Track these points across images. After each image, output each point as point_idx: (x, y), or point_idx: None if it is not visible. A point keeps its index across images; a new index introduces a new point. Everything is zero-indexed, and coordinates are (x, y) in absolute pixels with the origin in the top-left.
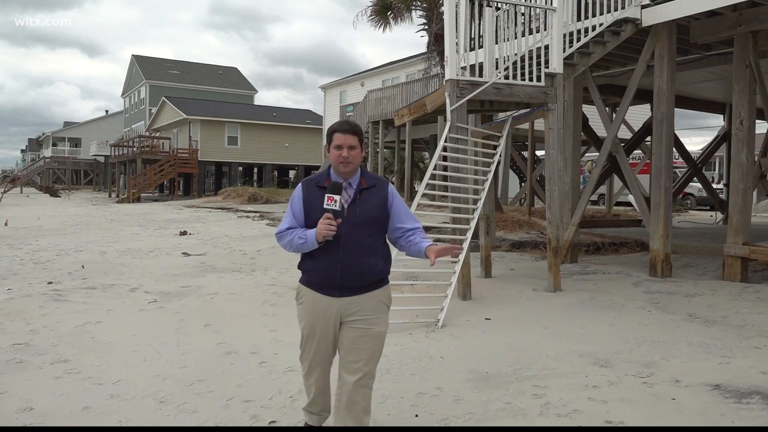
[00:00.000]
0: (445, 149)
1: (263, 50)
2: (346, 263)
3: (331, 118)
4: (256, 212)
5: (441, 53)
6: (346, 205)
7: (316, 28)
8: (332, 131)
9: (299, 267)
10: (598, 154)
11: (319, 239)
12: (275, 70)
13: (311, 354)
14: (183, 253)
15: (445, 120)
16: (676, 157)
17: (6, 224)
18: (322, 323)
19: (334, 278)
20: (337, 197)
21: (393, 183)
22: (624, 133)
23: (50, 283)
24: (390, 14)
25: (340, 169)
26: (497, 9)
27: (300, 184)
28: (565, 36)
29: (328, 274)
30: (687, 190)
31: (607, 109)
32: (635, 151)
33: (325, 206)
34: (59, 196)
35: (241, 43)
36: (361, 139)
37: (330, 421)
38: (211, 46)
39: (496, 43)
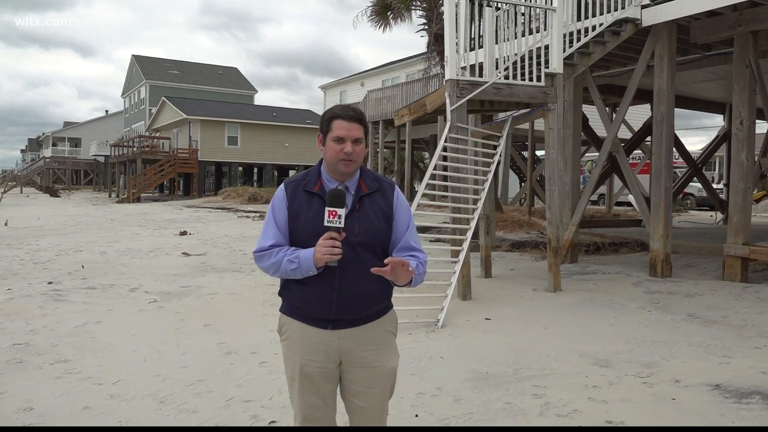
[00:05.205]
0: (445, 149)
1: (256, 51)
2: (344, 293)
3: None
4: (256, 212)
5: (441, 53)
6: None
7: (308, 29)
8: (332, 117)
9: (281, 293)
10: (598, 154)
11: (320, 264)
12: (270, 70)
13: (307, 405)
14: (183, 253)
15: (445, 120)
16: (676, 157)
17: (6, 224)
18: (316, 363)
19: (329, 311)
20: (341, 211)
21: None
22: (624, 133)
23: (50, 283)
24: (390, 14)
25: (340, 168)
26: (497, 9)
27: (282, 186)
28: (565, 36)
29: (320, 306)
30: (687, 190)
31: (607, 109)
32: (635, 151)
33: (326, 223)
34: (59, 196)
35: (234, 43)
36: (366, 130)
37: None
38: (203, 46)
39: (496, 43)
